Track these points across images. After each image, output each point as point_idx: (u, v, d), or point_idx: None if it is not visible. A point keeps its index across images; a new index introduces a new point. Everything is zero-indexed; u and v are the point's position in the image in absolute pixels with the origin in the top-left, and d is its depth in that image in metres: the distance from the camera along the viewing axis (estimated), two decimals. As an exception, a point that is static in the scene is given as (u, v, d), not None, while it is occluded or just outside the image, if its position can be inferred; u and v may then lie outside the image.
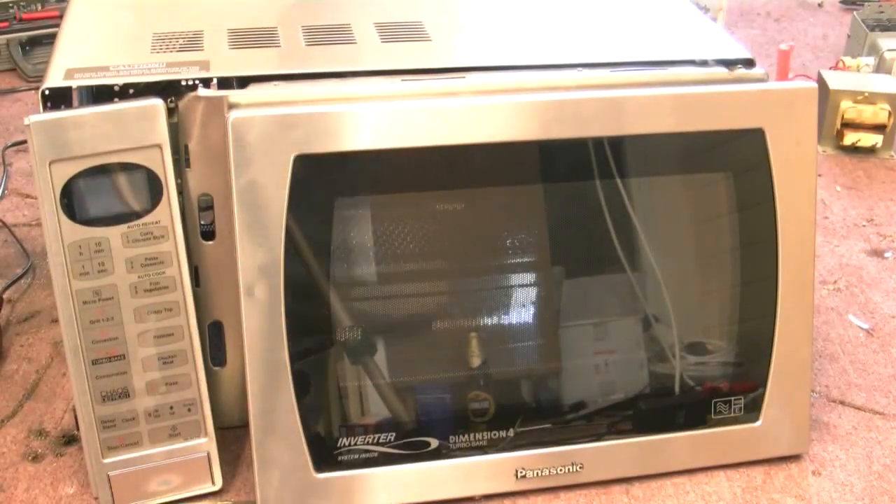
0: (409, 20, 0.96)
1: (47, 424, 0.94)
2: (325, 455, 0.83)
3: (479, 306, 0.89)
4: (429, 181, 0.84)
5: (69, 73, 0.81)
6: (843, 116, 1.46)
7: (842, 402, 1.00)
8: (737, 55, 0.89)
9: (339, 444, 0.84)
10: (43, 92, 0.79)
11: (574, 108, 0.82)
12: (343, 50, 0.90)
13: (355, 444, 0.84)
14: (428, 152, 0.80)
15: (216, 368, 0.89)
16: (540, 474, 0.87)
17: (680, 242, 0.91)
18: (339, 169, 0.80)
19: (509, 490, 0.87)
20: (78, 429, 0.82)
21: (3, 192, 1.32)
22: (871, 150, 1.47)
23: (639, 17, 1.00)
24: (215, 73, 0.82)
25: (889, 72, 1.55)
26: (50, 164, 0.75)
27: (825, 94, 1.47)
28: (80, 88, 0.79)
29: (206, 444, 0.84)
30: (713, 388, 0.90)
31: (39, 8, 1.71)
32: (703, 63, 0.88)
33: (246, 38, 0.91)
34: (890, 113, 1.44)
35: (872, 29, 1.64)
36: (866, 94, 1.45)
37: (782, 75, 1.61)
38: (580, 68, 0.86)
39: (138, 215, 0.78)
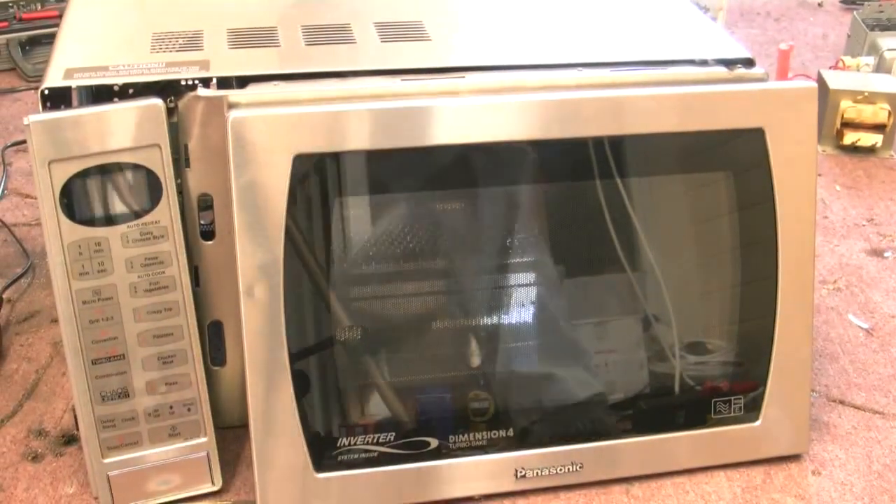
0: (409, 20, 0.96)
1: (47, 424, 0.94)
2: (325, 455, 0.83)
3: (478, 306, 0.89)
4: (428, 181, 0.84)
5: (69, 73, 0.81)
6: (842, 116, 1.45)
7: (842, 402, 1.00)
8: (737, 55, 0.89)
9: (338, 444, 0.84)
10: (42, 92, 0.79)
11: (574, 108, 0.82)
12: (343, 50, 0.90)
13: (355, 444, 0.84)
14: (428, 152, 0.80)
15: (216, 368, 0.89)
16: (540, 474, 0.87)
17: (680, 242, 0.91)
18: (338, 169, 0.80)
19: (509, 490, 0.87)
20: (78, 428, 0.82)
21: (3, 191, 1.32)
22: (870, 150, 1.47)
23: (638, 17, 1.00)
24: (215, 72, 0.82)
25: (889, 71, 1.55)
26: (49, 164, 0.75)
27: (825, 94, 1.47)
28: (79, 88, 0.79)
29: (206, 443, 0.84)
30: (713, 388, 0.90)
31: (39, 8, 1.71)
32: (703, 63, 0.88)
33: (246, 38, 0.91)
34: (890, 112, 1.44)
35: (872, 28, 1.64)
36: (866, 94, 1.45)
37: (782, 75, 1.61)
38: (580, 68, 0.86)
39: (137, 215, 0.78)
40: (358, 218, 0.83)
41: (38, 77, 1.61)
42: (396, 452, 0.85)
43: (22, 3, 1.70)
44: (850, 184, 1.41)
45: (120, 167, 0.77)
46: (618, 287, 0.90)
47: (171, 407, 0.82)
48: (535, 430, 0.87)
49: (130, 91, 0.80)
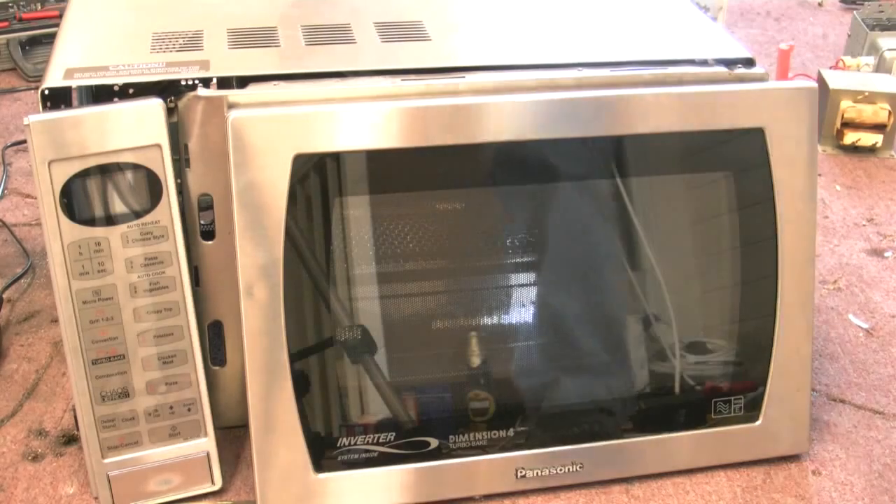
0: (408, 20, 0.96)
1: (47, 424, 0.94)
2: (325, 455, 0.83)
3: (479, 306, 0.89)
4: (428, 180, 0.84)
5: (69, 73, 0.81)
6: (843, 116, 1.45)
7: (842, 402, 1.00)
8: (737, 55, 0.89)
9: (338, 444, 0.84)
10: (43, 92, 0.79)
11: (574, 108, 0.82)
12: (343, 50, 0.90)
13: (355, 444, 0.84)
14: (428, 152, 0.80)
15: (216, 368, 0.89)
16: (540, 474, 0.87)
17: (680, 241, 0.90)
18: (338, 168, 0.80)
19: (509, 490, 0.87)
20: (78, 429, 0.82)
21: (3, 191, 1.32)
22: (871, 150, 1.47)
23: (639, 17, 1.00)
24: (215, 72, 0.82)
25: (889, 71, 1.55)
26: (49, 164, 0.75)
27: (825, 94, 1.47)
28: (79, 88, 0.79)
29: (206, 443, 0.84)
30: (713, 388, 0.90)
31: (39, 7, 1.71)
32: (704, 62, 0.88)
33: (246, 38, 0.91)
34: (890, 112, 1.44)
35: (872, 28, 1.64)
36: (866, 94, 1.45)
37: (782, 75, 1.60)
38: (580, 68, 0.86)
39: (138, 215, 0.78)
40: (358, 218, 0.83)
41: (39, 77, 1.61)
42: (396, 452, 0.85)
43: (22, 3, 1.70)
44: (850, 184, 1.41)
45: (120, 167, 0.77)
46: (618, 287, 0.90)
47: (171, 407, 0.82)
48: (535, 430, 0.87)
49: (130, 91, 0.80)
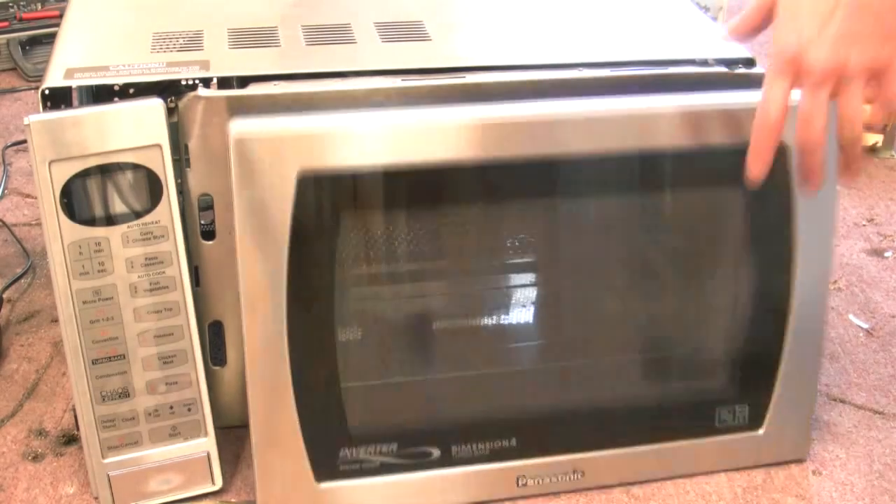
0: (408, 20, 0.96)
1: (47, 424, 0.94)
2: (327, 465, 0.83)
3: (481, 318, 0.89)
4: (432, 195, 0.83)
5: (69, 73, 0.81)
6: (843, 116, 1.45)
7: (842, 401, 1.00)
8: (737, 55, 0.89)
9: (340, 454, 0.83)
10: (43, 92, 0.79)
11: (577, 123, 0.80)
12: (343, 49, 0.90)
13: (356, 454, 0.84)
14: (434, 167, 0.79)
15: (216, 368, 0.89)
16: (541, 482, 0.87)
17: (689, 250, 0.89)
18: (343, 185, 0.79)
19: (509, 496, 0.87)
20: (78, 429, 0.82)
21: (3, 191, 1.32)
22: (871, 150, 1.47)
23: (639, 17, 1.00)
24: (215, 72, 0.82)
25: (889, 71, 1.54)
26: (50, 164, 0.75)
27: (825, 94, 1.47)
28: (80, 88, 0.79)
29: (207, 443, 0.84)
30: (717, 397, 0.89)
31: (39, 7, 1.71)
32: (704, 63, 0.88)
33: (246, 38, 0.91)
34: (890, 112, 1.44)
35: (872, 28, 1.64)
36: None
37: (782, 75, 1.60)
38: (580, 68, 0.86)
39: (138, 215, 0.78)
40: (362, 231, 0.83)
41: (39, 77, 1.61)
42: (398, 462, 0.85)
43: (22, 3, 1.70)
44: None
45: (120, 167, 0.77)
46: (622, 293, 0.89)
47: (171, 407, 0.82)
48: (537, 438, 0.87)
49: (131, 91, 0.80)
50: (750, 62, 0.88)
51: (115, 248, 0.78)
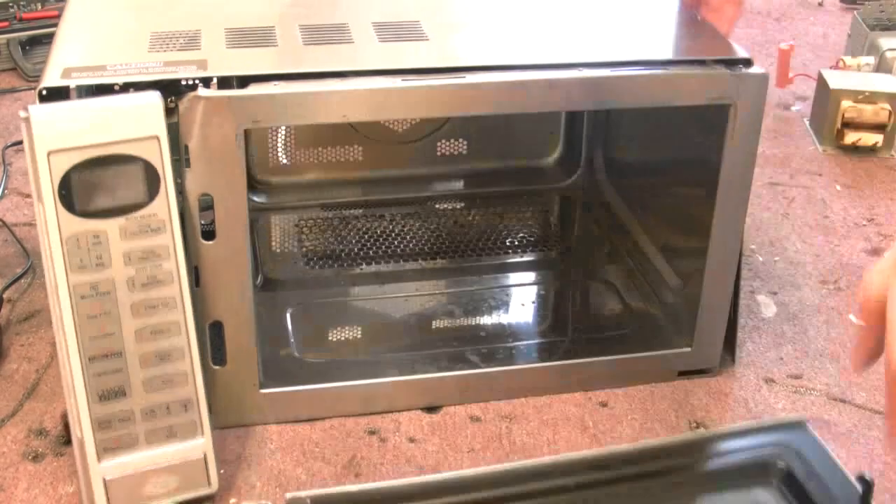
0: (406, 20, 0.96)
1: (47, 424, 0.94)
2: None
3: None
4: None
5: (66, 73, 0.81)
6: (843, 116, 1.45)
7: (842, 401, 1.00)
8: (735, 55, 0.89)
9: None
10: (40, 91, 0.79)
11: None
12: (341, 49, 0.90)
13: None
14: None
15: (216, 368, 0.89)
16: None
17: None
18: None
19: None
20: (68, 432, 0.80)
21: (3, 191, 1.32)
22: (871, 150, 1.47)
23: (637, 18, 1.00)
24: (213, 72, 0.82)
25: (890, 71, 1.54)
26: (49, 155, 0.74)
27: (825, 94, 1.47)
28: (78, 87, 0.79)
29: (204, 444, 0.84)
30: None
31: (39, 7, 1.70)
32: (702, 63, 0.88)
33: (244, 38, 0.90)
34: (890, 112, 1.44)
35: (873, 28, 1.64)
36: (867, 94, 1.45)
37: (783, 75, 1.60)
38: (580, 68, 0.86)
39: (136, 207, 0.77)
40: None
41: (39, 77, 1.61)
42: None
43: (22, 2, 1.69)
44: (850, 183, 1.41)
45: (119, 159, 0.76)
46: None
47: (167, 406, 0.82)
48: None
49: (130, 90, 0.80)
50: (748, 62, 0.88)
51: (112, 241, 0.77)
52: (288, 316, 1.05)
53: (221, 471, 0.88)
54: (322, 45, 0.90)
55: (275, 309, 1.06)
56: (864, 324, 0.68)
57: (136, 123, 0.76)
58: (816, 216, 1.32)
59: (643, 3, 1.03)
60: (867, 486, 0.82)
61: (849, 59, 1.59)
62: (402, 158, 1.25)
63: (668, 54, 0.90)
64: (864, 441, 0.94)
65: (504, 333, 1.05)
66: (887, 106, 1.44)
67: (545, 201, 1.28)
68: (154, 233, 0.78)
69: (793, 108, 1.61)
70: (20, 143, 1.42)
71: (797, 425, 0.91)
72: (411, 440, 0.92)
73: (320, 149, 1.22)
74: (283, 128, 1.21)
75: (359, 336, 1.07)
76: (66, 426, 0.80)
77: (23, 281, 1.15)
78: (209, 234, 0.84)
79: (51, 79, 0.80)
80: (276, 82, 0.82)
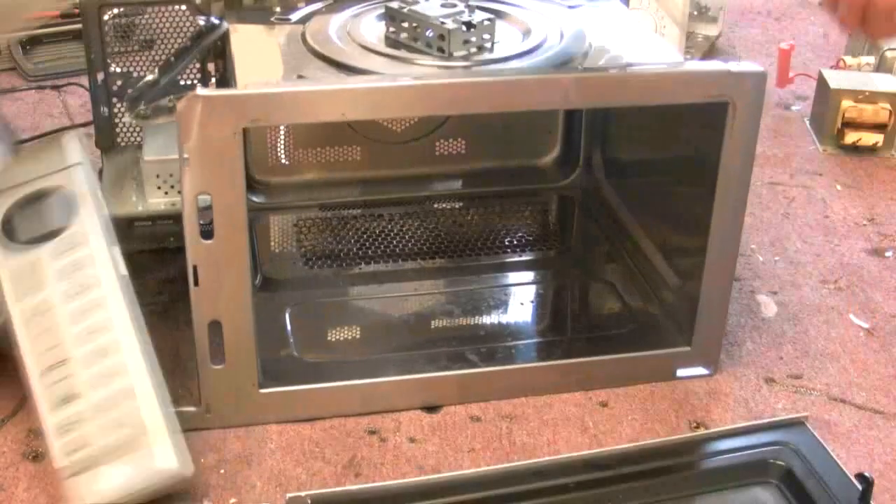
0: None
1: (46, 424, 0.94)
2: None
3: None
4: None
5: None
6: (843, 115, 1.45)
7: (842, 401, 0.99)
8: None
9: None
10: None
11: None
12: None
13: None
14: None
15: (215, 368, 0.89)
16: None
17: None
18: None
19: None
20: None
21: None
22: (871, 150, 1.47)
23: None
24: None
25: (890, 71, 1.54)
26: None
27: (826, 94, 1.47)
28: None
29: (154, 429, 0.83)
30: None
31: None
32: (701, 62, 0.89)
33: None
34: (891, 112, 1.44)
35: (873, 28, 1.64)
36: (867, 94, 1.45)
37: (783, 74, 1.60)
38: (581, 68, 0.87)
39: (63, 230, 0.86)
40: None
41: (39, 77, 1.61)
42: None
43: (22, 3, 1.70)
44: (850, 183, 1.40)
45: (46, 192, 0.87)
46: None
47: (113, 398, 0.83)
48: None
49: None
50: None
51: (46, 264, 0.85)
52: (287, 316, 1.05)
53: (222, 470, 0.88)
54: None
55: (274, 309, 1.06)
56: None
57: (60, 158, 0.89)
58: (817, 216, 1.32)
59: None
60: (867, 484, 0.82)
61: (849, 59, 1.59)
62: (401, 158, 1.25)
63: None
64: (864, 441, 0.94)
65: (503, 333, 1.05)
66: (887, 106, 1.44)
67: (544, 201, 1.28)
68: (79, 246, 0.85)
69: (793, 108, 1.61)
70: (22, 142, 1.42)
71: (797, 425, 0.91)
72: (411, 440, 0.92)
73: (319, 148, 1.22)
74: (282, 127, 1.21)
75: (358, 336, 1.07)
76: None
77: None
78: (208, 234, 0.84)
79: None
80: (275, 82, 0.82)
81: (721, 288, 0.97)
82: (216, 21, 0.96)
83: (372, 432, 0.93)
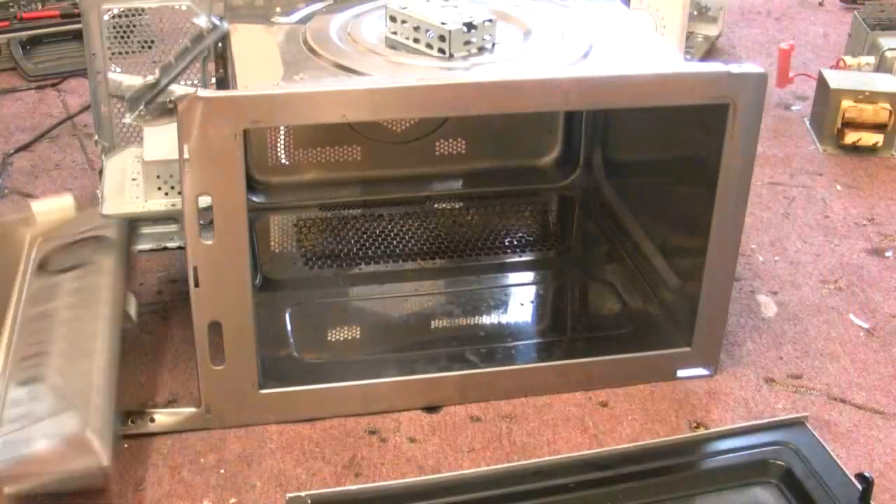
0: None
1: (47, 424, 0.94)
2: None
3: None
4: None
5: None
6: (843, 115, 1.45)
7: (842, 401, 0.99)
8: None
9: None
10: None
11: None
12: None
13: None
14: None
15: (215, 368, 0.89)
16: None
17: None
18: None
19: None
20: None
21: (4, 191, 1.32)
22: (871, 150, 1.47)
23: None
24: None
25: (890, 71, 1.54)
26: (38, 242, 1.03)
27: (826, 94, 1.47)
28: None
29: (93, 423, 0.83)
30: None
31: (40, 7, 1.70)
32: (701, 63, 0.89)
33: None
34: (891, 112, 1.44)
35: (873, 28, 1.64)
36: (867, 94, 1.45)
37: (783, 74, 1.60)
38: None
39: (87, 263, 0.97)
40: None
41: (39, 77, 1.61)
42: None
43: (22, 2, 1.70)
44: (850, 183, 1.40)
45: (83, 240, 1.01)
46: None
47: (71, 391, 0.84)
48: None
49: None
50: None
51: (62, 284, 0.96)
52: (287, 316, 1.05)
53: (222, 470, 0.88)
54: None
55: (274, 309, 1.06)
56: None
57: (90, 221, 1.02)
58: (817, 216, 1.32)
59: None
60: (867, 484, 0.82)
61: (849, 59, 1.59)
62: (401, 158, 1.25)
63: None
64: (864, 441, 0.94)
65: (503, 333, 1.05)
66: (887, 106, 1.44)
67: (544, 201, 1.28)
68: (94, 274, 0.96)
69: (793, 108, 1.61)
70: (21, 148, 1.42)
71: (797, 425, 0.91)
72: (411, 440, 0.92)
73: (319, 149, 1.22)
74: (282, 128, 1.21)
75: (358, 336, 1.07)
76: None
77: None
78: (208, 234, 0.84)
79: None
80: (276, 82, 0.82)
81: (721, 288, 0.97)
82: (216, 21, 0.96)
83: (372, 432, 0.93)
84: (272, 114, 0.83)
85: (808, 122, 1.56)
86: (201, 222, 0.84)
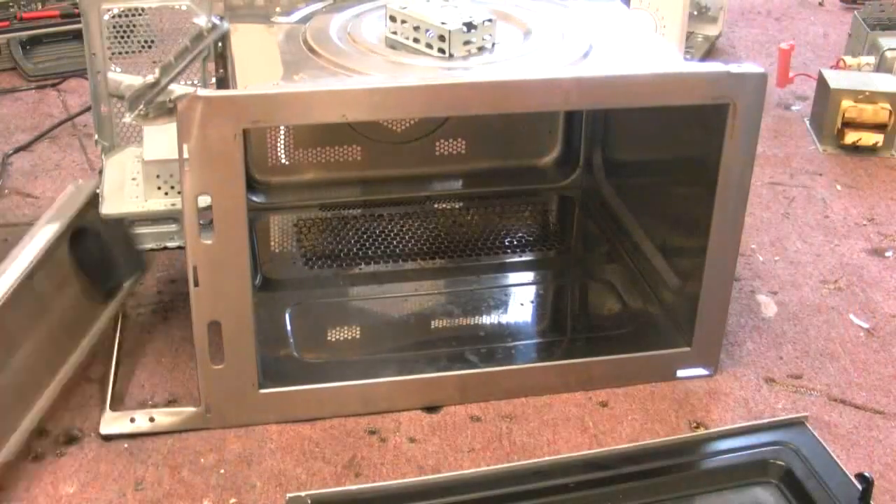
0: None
1: (48, 424, 0.94)
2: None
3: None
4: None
5: None
6: (843, 115, 1.45)
7: (842, 402, 0.99)
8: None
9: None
10: None
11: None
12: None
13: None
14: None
15: (215, 368, 0.89)
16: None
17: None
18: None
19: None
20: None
21: (4, 191, 1.32)
22: (871, 150, 1.47)
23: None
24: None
25: (890, 71, 1.54)
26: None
27: (826, 94, 1.47)
28: None
29: None
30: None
31: (40, 7, 1.71)
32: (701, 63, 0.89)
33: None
34: (891, 112, 1.44)
35: (873, 28, 1.64)
36: (867, 94, 1.45)
37: (783, 74, 1.60)
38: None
39: None
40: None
41: (39, 77, 1.61)
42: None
43: (22, 2, 1.70)
44: (850, 183, 1.40)
45: None
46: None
47: None
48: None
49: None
50: None
51: None
52: (287, 316, 1.05)
53: (222, 470, 0.88)
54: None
55: (274, 309, 1.06)
56: None
57: None
58: (817, 216, 1.32)
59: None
60: (867, 484, 0.82)
61: (849, 59, 1.59)
62: (401, 158, 1.25)
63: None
64: (864, 441, 0.94)
65: (503, 333, 1.05)
66: (887, 106, 1.44)
67: (544, 201, 1.28)
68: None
69: (793, 108, 1.61)
70: (21, 148, 1.42)
71: (797, 425, 0.91)
72: (411, 440, 0.92)
73: (319, 148, 1.22)
74: (282, 128, 1.21)
75: (358, 336, 1.07)
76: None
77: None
78: (208, 234, 0.84)
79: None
80: (276, 82, 0.82)
81: (721, 288, 0.97)
82: (216, 21, 0.96)
83: (372, 432, 0.93)
84: (272, 114, 0.83)
85: (808, 122, 1.56)
86: (201, 222, 0.84)
